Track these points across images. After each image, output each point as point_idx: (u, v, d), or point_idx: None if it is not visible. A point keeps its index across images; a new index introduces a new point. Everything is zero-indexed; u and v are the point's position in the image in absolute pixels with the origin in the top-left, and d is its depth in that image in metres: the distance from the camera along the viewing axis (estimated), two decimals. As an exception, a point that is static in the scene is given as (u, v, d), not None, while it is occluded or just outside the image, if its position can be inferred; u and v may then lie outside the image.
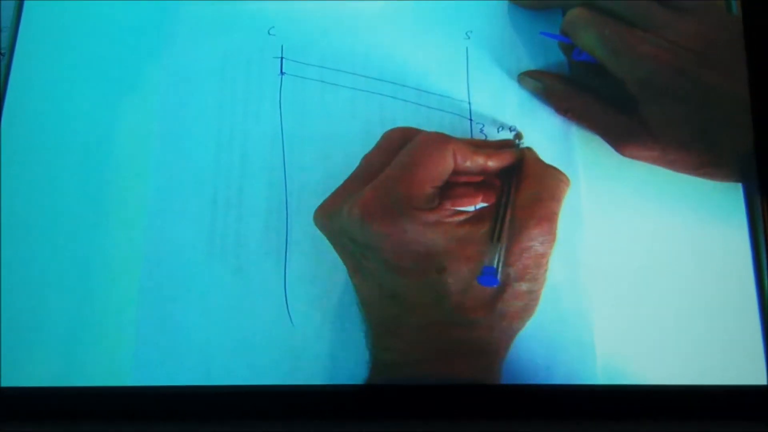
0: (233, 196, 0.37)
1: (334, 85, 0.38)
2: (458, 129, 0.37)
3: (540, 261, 0.31)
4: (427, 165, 0.31)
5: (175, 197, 0.37)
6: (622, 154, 0.35)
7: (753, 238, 0.36)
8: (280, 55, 0.39)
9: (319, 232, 0.33)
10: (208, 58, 0.39)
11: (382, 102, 0.38)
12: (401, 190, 0.30)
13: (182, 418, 0.33)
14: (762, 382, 0.34)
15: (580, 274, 0.36)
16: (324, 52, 0.39)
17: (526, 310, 0.32)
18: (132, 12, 0.40)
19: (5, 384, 0.35)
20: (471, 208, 0.34)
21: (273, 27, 0.39)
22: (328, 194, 0.33)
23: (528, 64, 0.39)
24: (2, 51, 0.40)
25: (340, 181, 0.33)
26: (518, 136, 0.36)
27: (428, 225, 0.30)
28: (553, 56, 0.38)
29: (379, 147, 0.34)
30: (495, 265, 0.29)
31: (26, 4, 0.40)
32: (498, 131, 0.38)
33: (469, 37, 0.39)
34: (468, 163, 0.32)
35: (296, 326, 0.35)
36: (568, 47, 0.37)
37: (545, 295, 0.32)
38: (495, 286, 0.30)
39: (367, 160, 0.33)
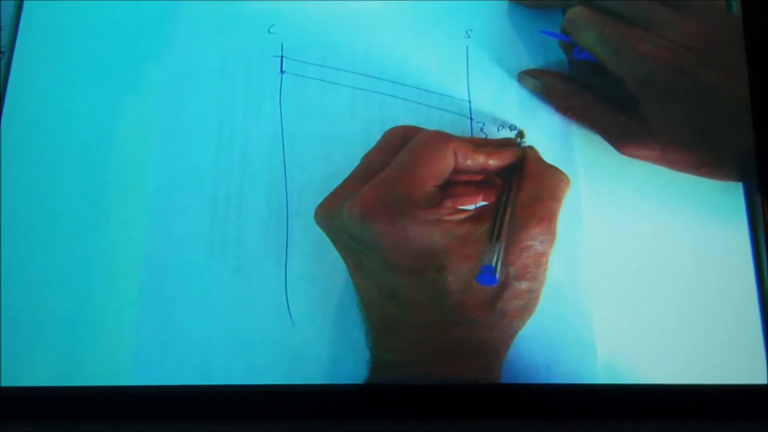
0: (233, 195, 0.37)
1: (334, 84, 0.38)
2: (458, 128, 0.37)
3: (540, 260, 0.31)
4: (427, 164, 0.31)
5: (175, 197, 0.37)
6: (622, 153, 0.35)
7: (753, 237, 0.36)
8: (280, 54, 0.39)
9: (319, 231, 0.33)
10: (208, 57, 0.39)
11: (383, 101, 0.38)
12: (401, 188, 0.30)
13: (182, 418, 0.33)
14: (762, 381, 0.34)
15: (581, 274, 0.36)
16: (324, 51, 0.39)
17: (526, 309, 0.32)
18: (132, 12, 0.40)
19: (5, 384, 0.35)
20: (471, 207, 0.34)
21: (273, 26, 0.39)
22: (328, 194, 0.33)
23: (528, 62, 0.38)
24: (2, 50, 0.40)
25: (340, 181, 0.33)
26: (520, 134, 0.36)
27: (428, 224, 0.30)
28: (554, 55, 0.38)
29: (379, 146, 0.34)
30: (494, 264, 0.29)
31: (26, 4, 0.40)
32: (498, 130, 0.38)
33: (469, 36, 0.39)
34: (469, 162, 0.32)
35: (296, 326, 0.35)
36: (569, 46, 0.37)
37: (546, 294, 0.32)
38: (494, 285, 0.30)
39: (368, 158, 0.33)
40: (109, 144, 0.38)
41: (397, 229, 0.30)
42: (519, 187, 0.32)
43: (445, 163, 0.31)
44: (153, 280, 0.36)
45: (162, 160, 0.38)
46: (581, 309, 0.35)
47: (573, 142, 0.37)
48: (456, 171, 0.32)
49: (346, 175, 0.33)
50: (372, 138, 0.34)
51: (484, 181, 0.35)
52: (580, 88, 0.37)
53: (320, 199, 0.33)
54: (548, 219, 0.31)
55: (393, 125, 0.34)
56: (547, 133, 0.37)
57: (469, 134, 0.37)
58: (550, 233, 0.31)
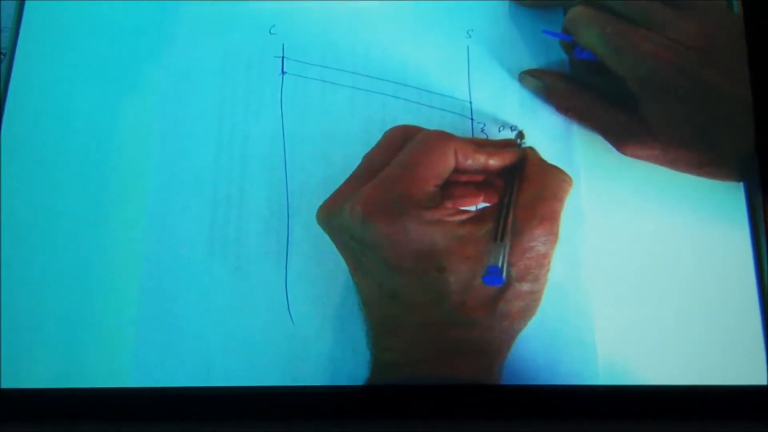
0: (233, 195, 0.37)
1: (334, 84, 0.38)
2: (459, 128, 0.37)
3: (542, 261, 0.31)
4: (428, 163, 0.31)
5: (175, 197, 0.37)
6: (623, 153, 0.35)
7: (754, 237, 0.36)
8: (281, 55, 0.39)
9: (319, 231, 0.33)
10: (209, 57, 0.39)
11: (383, 101, 0.38)
12: (402, 188, 0.30)
13: (182, 419, 0.33)
14: (762, 382, 0.34)
15: (582, 274, 0.36)
16: (325, 52, 0.39)
17: (528, 311, 0.31)
18: (132, 12, 0.40)
19: (5, 386, 0.35)
20: (472, 208, 0.34)
21: (274, 26, 0.39)
22: (328, 194, 0.33)
23: (529, 62, 0.38)
24: (3, 51, 0.40)
25: (341, 181, 0.33)
26: (520, 135, 0.36)
27: (429, 224, 0.30)
28: (554, 55, 0.38)
29: (380, 145, 0.34)
30: (500, 265, 0.29)
31: (27, 5, 0.40)
32: (499, 130, 0.38)
33: (470, 36, 0.39)
34: (469, 162, 0.32)
35: (297, 326, 0.35)
36: (570, 45, 0.37)
37: (547, 294, 0.32)
38: (500, 285, 0.30)
39: (369, 158, 0.33)
40: (109, 144, 0.38)
41: (398, 229, 0.30)
42: (520, 188, 0.32)
43: (446, 162, 0.31)
44: (153, 280, 0.36)
45: (162, 160, 0.38)
46: (582, 309, 0.35)
47: (574, 141, 0.37)
48: (457, 171, 0.32)
49: (346, 175, 0.33)
50: (372, 138, 0.34)
51: (485, 182, 0.35)
52: (581, 88, 0.37)
53: (321, 199, 0.33)
54: (550, 219, 0.31)
55: (393, 125, 0.34)
56: (548, 133, 0.37)
57: (469, 134, 0.37)
58: (553, 234, 0.31)
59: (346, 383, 0.34)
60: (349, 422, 0.33)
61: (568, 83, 0.37)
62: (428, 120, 0.38)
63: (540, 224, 0.30)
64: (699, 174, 0.35)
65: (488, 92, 0.38)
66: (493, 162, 0.33)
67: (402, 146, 0.32)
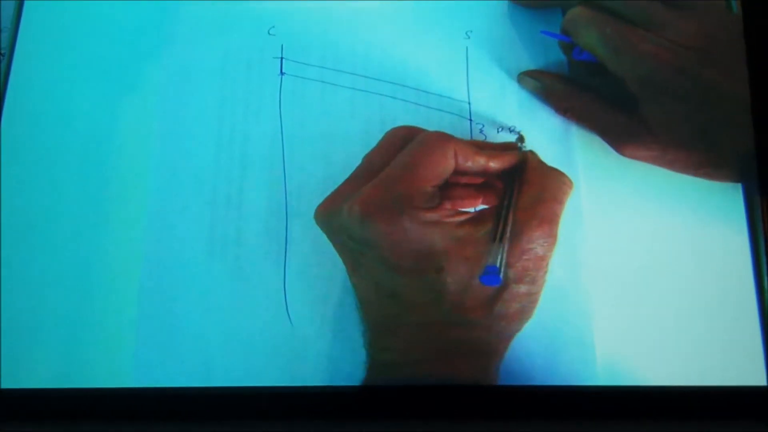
0: (233, 196, 0.37)
1: (333, 85, 0.38)
2: (458, 129, 0.37)
3: (539, 263, 0.31)
4: (427, 164, 0.31)
5: (175, 197, 0.37)
6: (622, 154, 0.35)
7: (753, 238, 0.36)
8: (279, 55, 0.39)
9: (318, 232, 0.33)
10: (208, 58, 0.39)
11: (382, 102, 0.38)
12: (401, 188, 0.30)
13: (182, 419, 0.33)
14: (762, 382, 0.34)
15: (581, 274, 0.36)
16: (324, 52, 0.39)
17: (524, 312, 0.32)
18: (132, 12, 0.40)
19: (5, 386, 0.35)
20: (471, 210, 0.34)
21: (273, 27, 0.39)
22: (327, 194, 0.33)
23: (528, 63, 0.38)
24: (2, 51, 0.40)
25: (340, 181, 0.33)
26: (521, 138, 0.36)
27: (428, 224, 0.30)
28: (553, 56, 0.38)
29: (380, 146, 0.34)
30: (498, 265, 0.29)
31: (26, 5, 0.40)
32: (498, 132, 0.38)
33: (468, 37, 0.39)
34: (469, 164, 0.32)
35: (295, 327, 0.35)
36: (568, 46, 0.37)
37: (546, 295, 0.32)
38: (497, 285, 0.30)
39: (369, 158, 0.33)
40: (109, 144, 0.38)
41: (397, 229, 0.30)
42: (520, 190, 0.32)
43: (446, 163, 0.31)
44: (153, 280, 0.36)
45: (162, 160, 0.38)
46: (581, 309, 0.35)
47: (573, 143, 0.37)
48: (456, 172, 0.32)
49: (345, 175, 0.33)
50: (371, 138, 0.34)
51: (484, 184, 0.35)
52: (580, 89, 0.37)
53: (320, 200, 0.33)
54: (549, 221, 0.31)
55: (392, 126, 0.34)
56: (547, 134, 0.37)
57: (468, 136, 0.37)
58: (552, 236, 0.31)
59: (345, 383, 0.34)
60: (349, 422, 0.33)
61: (567, 84, 0.37)
62: (427, 121, 0.38)
63: (539, 226, 0.30)
64: (697, 175, 0.35)
65: (487, 93, 0.38)
66: (494, 164, 0.33)
67: (402, 147, 0.32)
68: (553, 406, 0.33)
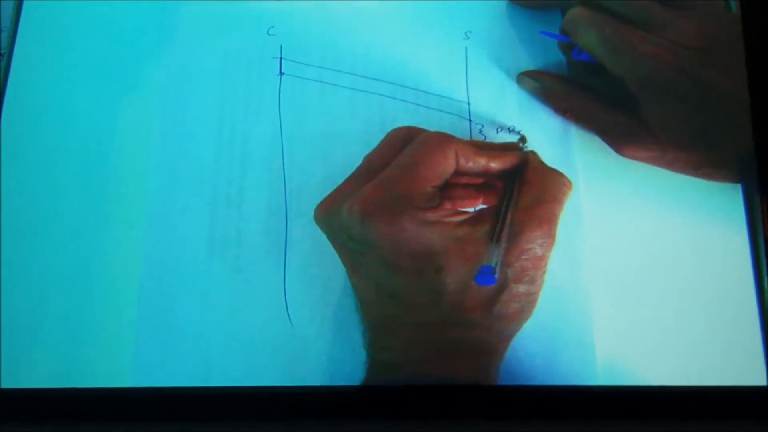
0: (233, 195, 0.37)
1: (333, 85, 0.38)
2: (457, 129, 0.37)
3: (538, 264, 0.31)
4: (428, 164, 0.31)
5: (175, 197, 0.37)
6: (621, 154, 0.35)
7: (752, 238, 0.36)
8: (279, 56, 0.39)
9: (318, 232, 0.33)
10: (208, 58, 0.39)
11: (382, 102, 0.38)
12: (401, 188, 0.30)
13: (182, 419, 0.33)
14: (762, 382, 0.34)
15: (581, 274, 0.36)
16: (323, 52, 0.39)
17: (523, 312, 0.32)
18: (132, 12, 0.40)
19: (5, 386, 0.35)
20: (471, 210, 0.34)
21: (272, 27, 0.39)
22: (327, 194, 0.33)
23: (527, 64, 0.38)
24: (2, 51, 0.40)
25: (340, 181, 0.33)
26: (522, 139, 0.36)
27: (427, 224, 0.30)
28: (552, 56, 0.38)
29: (381, 146, 0.34)
30: (493, 265, 0.29)
31: (26, 4, 0.40)
32: (497, 132, 0.38)
33: (468, 37, 0.39)
34: (470, 164, 0.32)
35: (295, 327, 0.35)
36: (568, 47, 0.37)
37: (546, 295, 0.32)
38: (492, 285, 0.30)
39: (369, 158, 0.33)
40: (109, 144, 0.38)
41: (397, 229, 0.30)
42: (520, 191, 0.32)
43: (446, 164, 0.31)
44: (153, 280, 0.36)
45: (162, 160, 0.38)
46: (581, 309, 0.35)
47: (572, 143, 0.37)
48: (457, 173, 0.32)
49: (345, 175, 0.33)
50: (371, 138, 0.34)
51: (484, 185, 0.35)
52: (579, 89, 0.37)
53: (319, 200, 0.33)
54: (548, 222, 0.31)
55: (392, 126, 0.34)
56: (547, 135, 0.37)
57: (468, 136, 0.37)
58: (550, 237, 0.31)
59: (345, 383, 0.34)
60: (349, 422, 0.33)
61: (566, 84, 0.37)
62: (426, 121, 0.38)
63: (538, 226, 0.30)
64: (697, 175, 0.35)
65: (486, 93, 0.38)
66: (494, 165, 0.33)
67: (403, 147, 0.32)
68: (553, 406, 0.33)
